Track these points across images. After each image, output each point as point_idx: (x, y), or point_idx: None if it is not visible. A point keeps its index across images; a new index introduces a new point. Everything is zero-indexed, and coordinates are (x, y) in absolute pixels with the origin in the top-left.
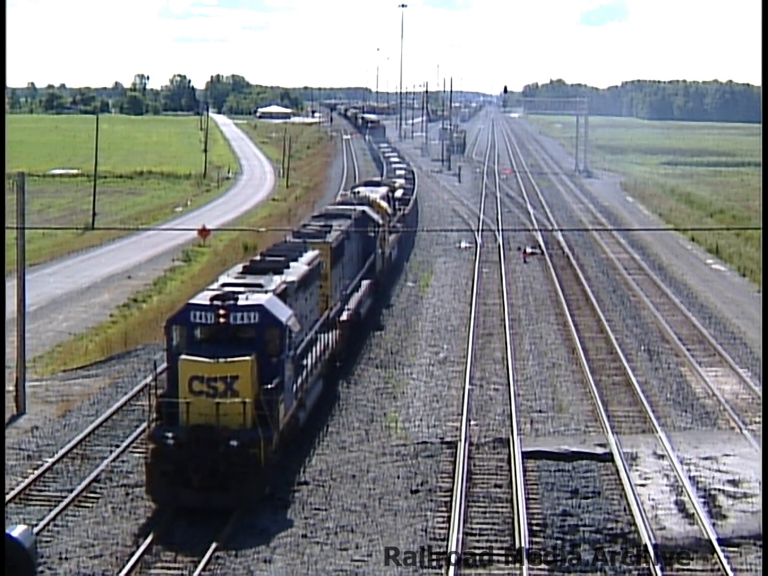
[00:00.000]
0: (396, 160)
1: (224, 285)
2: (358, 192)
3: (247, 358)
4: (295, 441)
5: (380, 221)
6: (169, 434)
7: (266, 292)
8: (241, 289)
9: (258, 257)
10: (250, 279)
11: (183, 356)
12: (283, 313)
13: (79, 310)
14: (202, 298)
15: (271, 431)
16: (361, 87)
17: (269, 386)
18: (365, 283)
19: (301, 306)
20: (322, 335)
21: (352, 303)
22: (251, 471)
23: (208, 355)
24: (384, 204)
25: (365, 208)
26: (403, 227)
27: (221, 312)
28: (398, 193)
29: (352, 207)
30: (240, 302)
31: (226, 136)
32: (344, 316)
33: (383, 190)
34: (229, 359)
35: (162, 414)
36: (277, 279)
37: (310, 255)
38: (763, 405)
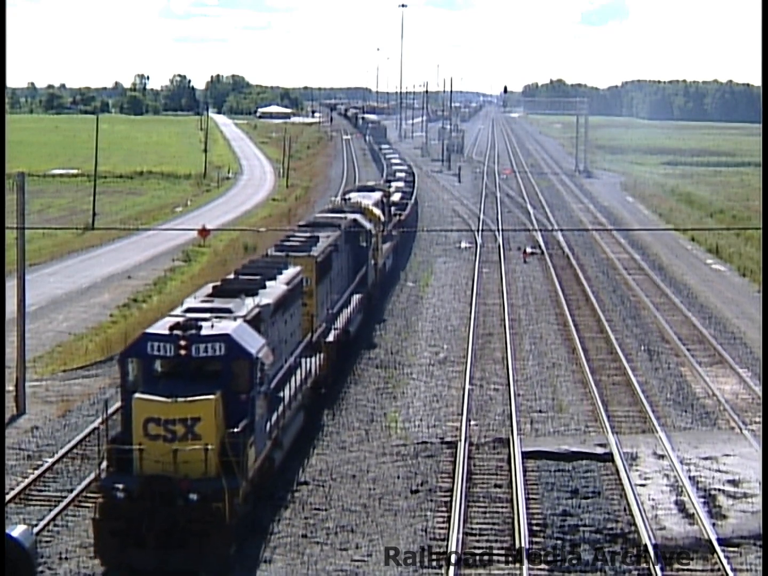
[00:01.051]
0: (397, 161)
1: (188, 310)
2: (349, 198)
3: (211, 396)
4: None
5: (372, 230)
6: (120, 486)
7: (235, 318)
8: (207, 315)
9: (231, 276)
10: (218, 303)
11: (137, 395)
12: (254, 343)
13: (79, 310)
14: (161, 327)
15: (238, 481)
16: (361, 87)
17: (236, 429)
18: (356, 297)
19: (279, 330)
20: (305, 360)
21: (340, 321)
22: (214, 528)
23: (166, 394)
24: (377, 211)
25: (356, 216)
26: (399, 234)
27: (181, 343)
28: (395, 197)
29: (342, 215)
30: (203, 332)
31: (226, 136)
32: (330, 337)
33: (377, 195)
34: (189, 398)
35: (113, 461)
36: (249, 302)
37: (290, 272)
38: (763, 405)
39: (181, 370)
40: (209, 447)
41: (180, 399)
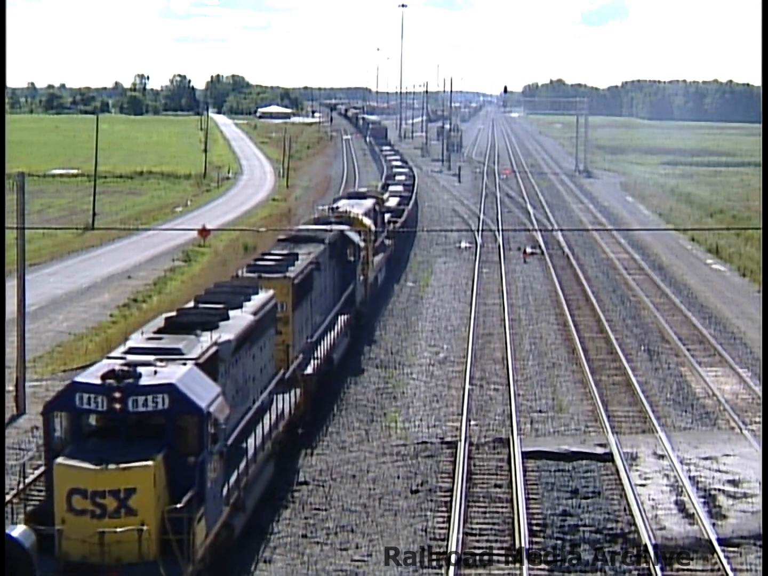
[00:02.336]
0: (398, 163)
1: (130, 350)
2: (337, 207)
3: (149, 463)
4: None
5: (361, 244)
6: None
7: (185, 362)
8: (151, 357)
9: (190, 304)
10: (167, 341)
11: (60, 459)
12: (205, 393)
13: (79, 310)
14: (93, 375)
15: (181, 566)
16: (361, 87)
17: (180, 504)
18: (341, 319)
19: (245, 369)
20: (278, 398)
21: (321, 349)
22: None
23: (95, 458)
24: (367, 221)
25: (344, 228)
26: (393, 243)
27: (116, 395)
28: (392, 202)
29: (326, 228)
30: (143, 381)
31: (226, 136)
32: (310, 369)
33: (368, 203)
34: (122, 465)
35: None
36: (205, 339)
37: (261, 297)
38: (763, 405)
39: (115, 428)
40: (145, 526)
41: (111, 466)
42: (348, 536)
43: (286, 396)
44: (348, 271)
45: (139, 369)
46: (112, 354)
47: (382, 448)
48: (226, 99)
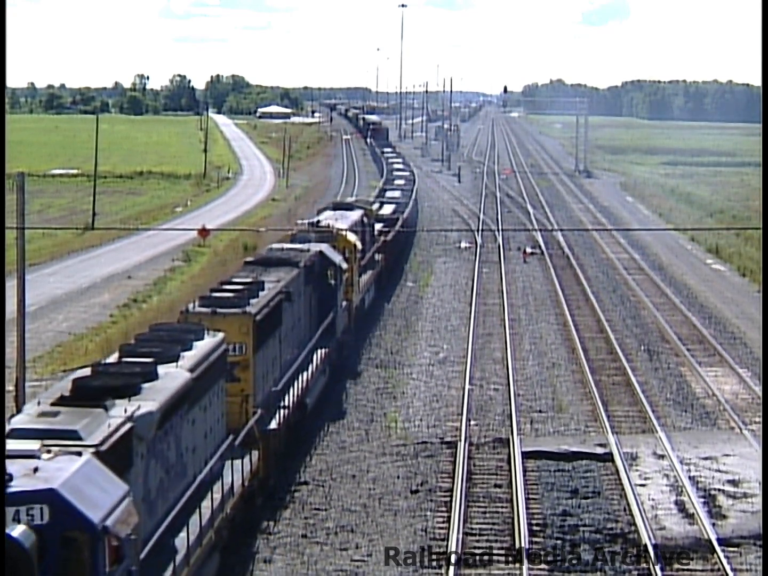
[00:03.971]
0: (398, 166)
1: (12, 433)
2: (319, 222)
3: None
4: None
5: (344, 265)
6: None
7: (80, 451)
8: (34, 445)
9: (115, 356)
10: (63, 418)
11: None
12: (103, 498)
13: (79, 310)
14: None
15: None
16: (361, 87)
17: None
18: (319, 354)
19: (179, 441)
20: (228, 465)
21: (291, 395)
22: None
23: None
24: (352, 238)
25: (323, 247)
26: (384, 258)
27: None
28: (386, 210)
29: (303, 247)
30: (15, 485)
31: (226, 136)
32: (274, 423)
33: (355, 215)
34: None
35: None
36: (116, 413)
37: (205, 344)
38: (763, 405)
39: None
40: None
41: None
42: (348, 536)
43: (241, 462)
44: (327, 297)
45: (13, 466)
46: None
47: (382, 448)
48: (226, 99)
